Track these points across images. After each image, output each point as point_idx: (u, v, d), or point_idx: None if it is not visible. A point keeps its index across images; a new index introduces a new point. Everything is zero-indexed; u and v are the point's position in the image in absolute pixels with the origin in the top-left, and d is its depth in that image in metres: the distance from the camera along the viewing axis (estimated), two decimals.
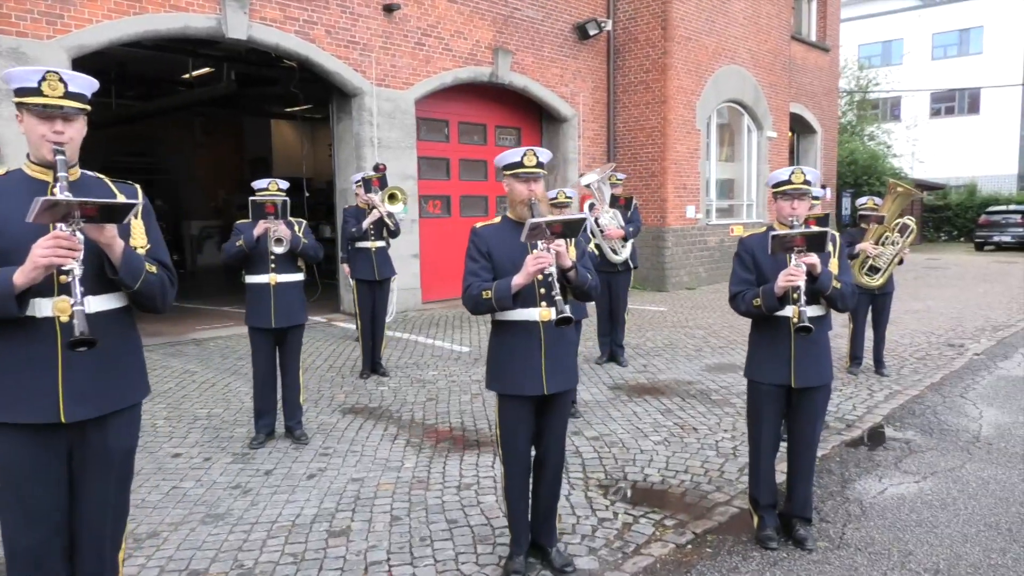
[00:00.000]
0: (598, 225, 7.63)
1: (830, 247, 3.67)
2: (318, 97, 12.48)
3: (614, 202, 7.53)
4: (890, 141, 29.11)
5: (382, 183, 7.10)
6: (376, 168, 10.62)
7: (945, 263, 19.91)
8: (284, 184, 5.26)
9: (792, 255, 3.43)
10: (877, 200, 7.44)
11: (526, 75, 12.71)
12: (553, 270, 3.02)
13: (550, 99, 13.22)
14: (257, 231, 4.95)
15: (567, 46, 13.45)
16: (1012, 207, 24.83)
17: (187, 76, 11.51)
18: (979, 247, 24.26)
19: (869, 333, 7.50)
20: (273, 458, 5.02)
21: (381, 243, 7.34)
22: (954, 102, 37.82)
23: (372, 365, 7.37)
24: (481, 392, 6.72)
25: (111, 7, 7.96)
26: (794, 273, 3.38)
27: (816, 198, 5.31)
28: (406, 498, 4.33)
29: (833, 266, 3.64)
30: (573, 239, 3.27)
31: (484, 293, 3.14)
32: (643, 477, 4.69)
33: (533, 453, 3.42)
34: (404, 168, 11.08)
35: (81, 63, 7.72)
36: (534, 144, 13.97)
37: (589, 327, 9.28)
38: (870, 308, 7.41)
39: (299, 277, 5.26)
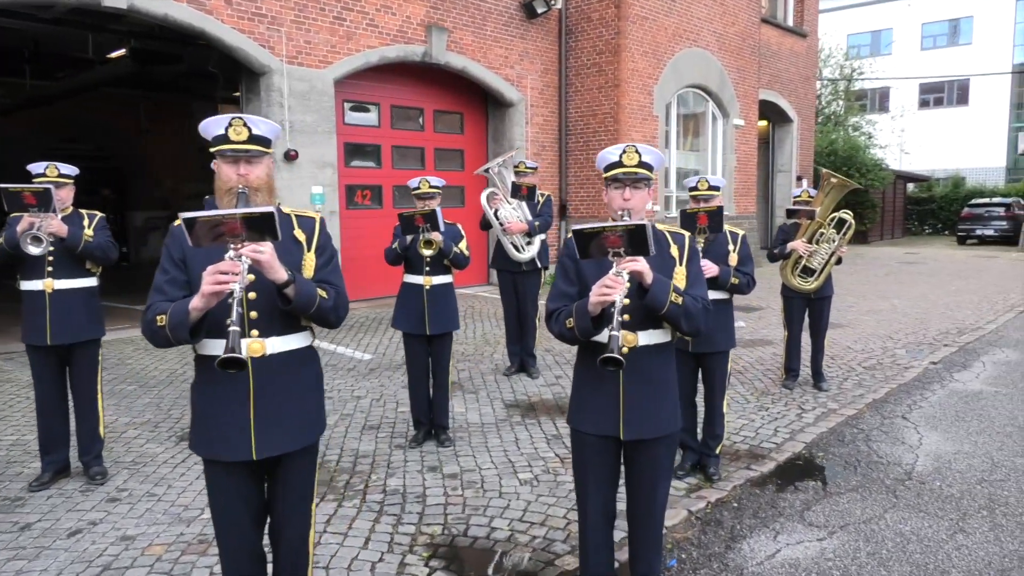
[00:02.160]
0: (497, 218, 6.73)
1: (673, 247, 2.79)
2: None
3: (516, 192, 6.63)
4: (874, 132, 28.16)
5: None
6: (287, 155, 9.73)
7: (923, 258, 19.07)
8: (68, 169, 4.33)
9: (615, 260, 2.53)
10: (813, 191, 6.56)
11: (465, 55, 11.77)
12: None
13: (493, 82, 12.28)
14: (20, 227, 4.02)
15: (513, 25, 12.50)
16: (996, 200, 24.02)
17: (91, 55, 10.56)
18: (961, 241, 23.44)
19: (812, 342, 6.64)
20: (48, 504, 4.12)
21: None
22: (943, 93, 36.97)
23: None
24: (352, 414, 5.83)
25: None
26: (610, 284, 2.48)
27: (715, 188, 4.43)
28: (168, 568, 3.42)
29: (681, 276, 2.75)
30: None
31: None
32: (488, 532, 3.81)
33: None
34: (322, 155, 10.15)
35: None
36: (479, 129, 13.05)
37: (499, 334, 8.43)
38: (806, 314, 6.54)
39: (86, 283, 4.34)
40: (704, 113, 15.22)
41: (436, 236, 4.79)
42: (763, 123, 20.19)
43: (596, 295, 2.51)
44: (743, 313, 10.41)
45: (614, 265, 2.52)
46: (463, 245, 5.03)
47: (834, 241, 6.31)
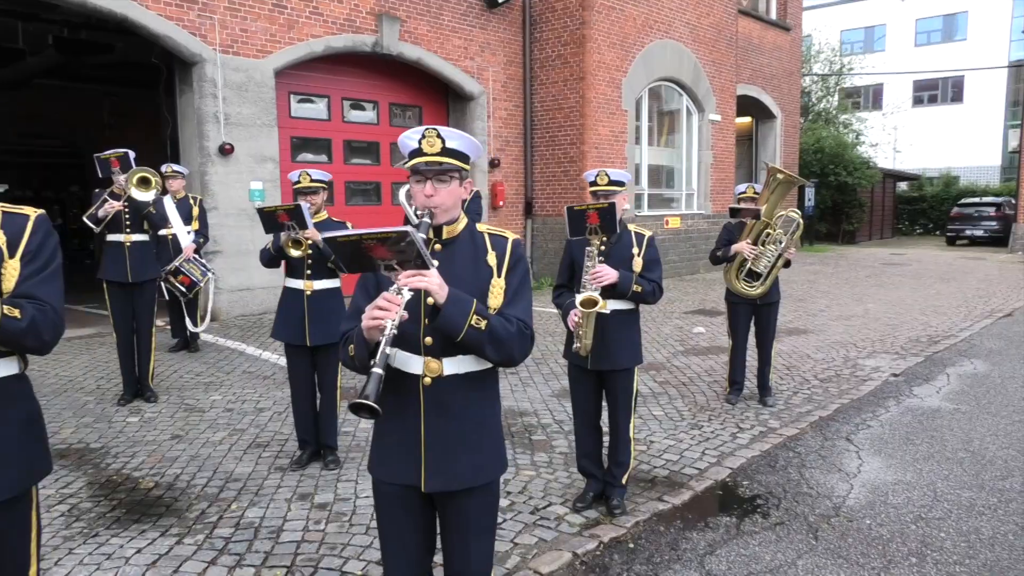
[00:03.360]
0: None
1: (491, 255, 2.27)
2: None
3: None
4: (864, 129, 27.59)
5: (123, 164, 5.62)
6: (221, 149, 9.20)
7: (907, 259, 18.53)
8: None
9: (388, 274, 2.05)
10: (758, 188, 6.03)
11: (420, 46, 11.23)
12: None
13: (451, 74, 11.75)
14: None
15: (472, 15, 11.96)
16: (986, 200, 23.48)
17: (19, 45, 10.03)
18: (951, 242, 22.91)
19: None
20: None
21: (140, 236, 5.89)
22: (937, 90, 36.40)
23: (135, 388, 5.96)
24: (245, 429, 5.31)
25: None
26: (383, 306, 1.98)
27: (617, 183, 3.92)
28: None
29: (498, 290, 2.23)
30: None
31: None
32: None
33: None
34: (261, 148, 9.62)
35: None
36: (439, 124, 12.50)
37: None
38: (752, 322, 6.02)
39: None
40: (678, 108, 14.68)
41: (312, 234, 4.28)
42: (746, 119, 19.67)
43: (366, 319, 2.00)
44: (705, 317, 9.90)
45: (393, 281, 2.01)
46: None
47: (781, 242, 5.79)
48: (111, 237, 5.81)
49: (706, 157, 15.03)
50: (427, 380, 2.19)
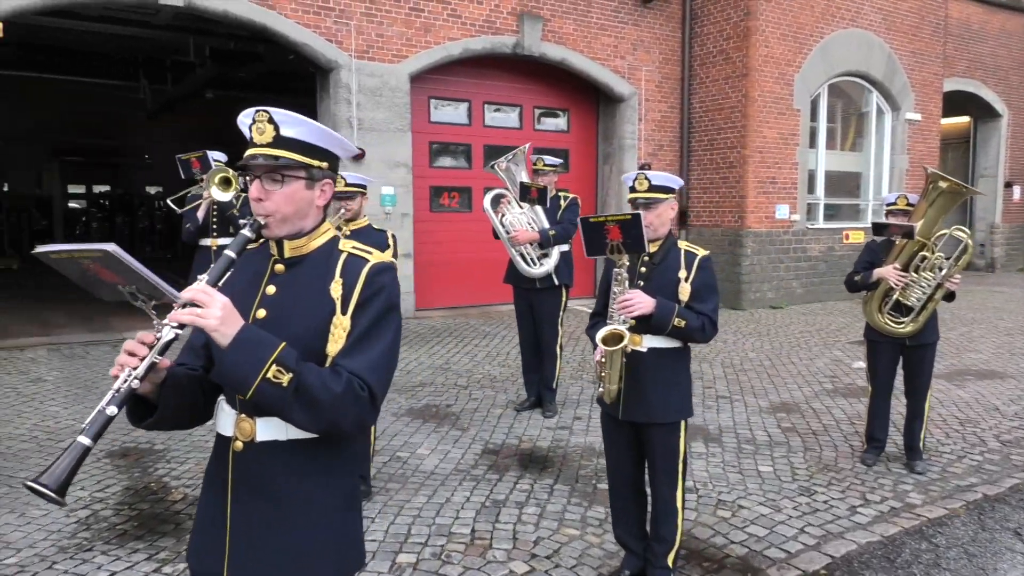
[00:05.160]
0: (503, 226, 5.66)
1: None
2: None
3: (524, 194, 5.52)
4: None
5: (203, 164, 5.61)
6: (357, 156, 9.24)
7: None
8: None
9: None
10: (913, 198, 4.79)
11: (564, 45, 10.68)
12: None
13: (598, 74, 11.07)
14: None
15: (624, 11, 11.20)
16: None
17: (192, 59, 10.87)
18: None
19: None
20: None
21: (226, 240, 5.88)
22: None
23: None
24: None
25: None
26: (129, 348, 1.46)
27: (662, 189, 3.09)
28: None
29: (339, 331, 1.63)
30: None
31: None
32: None
33: None
34: (393, 154, 9.58)
35: None
36: (588, 128, 11.89)
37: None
38: (899, 367, 4.80)
39: None
40: (866, 106, 12.85)
41: None
42: (961, 119, 16.99)
43: (114, 372, 1.49)
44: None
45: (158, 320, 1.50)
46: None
47: (942, 269, 4.54)
48: (201, 242, 5.86)
49: (900, 162, 13.03)
50: (238, 445, 1.65)
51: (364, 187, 4.17)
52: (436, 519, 3.91)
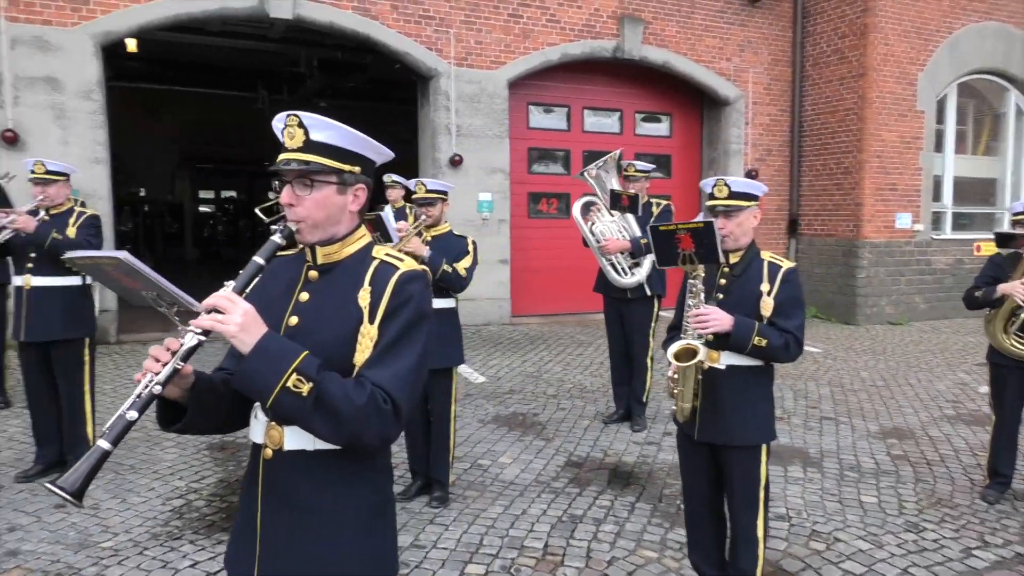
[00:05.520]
0: (593, 235, 5.52)
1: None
2: None
3: (615, 201, 5.36)
4: None
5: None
6: (451, 161, 9.36)
7: None
8: (55, 165, 4.24)
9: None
10: None
11: (667, 48, 10.40)
12: None
13: (703, 77, 10.72)
14: None
15: (730, 11, 10.79)
16: None
17: (301, 69, 11.34)
18: None
19: None
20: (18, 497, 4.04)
21: None
22: None
23: None
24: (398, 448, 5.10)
25: None
26: (155, 354, 1.46)
27: (743, 196, 2.87)
28: None
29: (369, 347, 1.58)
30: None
31: None
32: None
33: None
34: (491, 160, 9.61)
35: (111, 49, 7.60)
36: (692, 132, 11.54)
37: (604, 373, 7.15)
38: None
39: (65, 281, 4.21)
40: (1003, 107, 11.80)
41: (416, 246, 3.87)
42: None
43: (137, 377, 1.49)
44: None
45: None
46: (462, 264, 4.03)
47: None
48: None
49: None
50: (268, 453, 1.62)
51: (445, 193, 4.15)
52: (510, 531, 3.83)
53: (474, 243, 4.17)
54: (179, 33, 9.33)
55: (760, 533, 2.92)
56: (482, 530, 3.83)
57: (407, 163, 11.74)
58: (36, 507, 3.93)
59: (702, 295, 2.74)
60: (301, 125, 1.59)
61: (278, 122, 1.65)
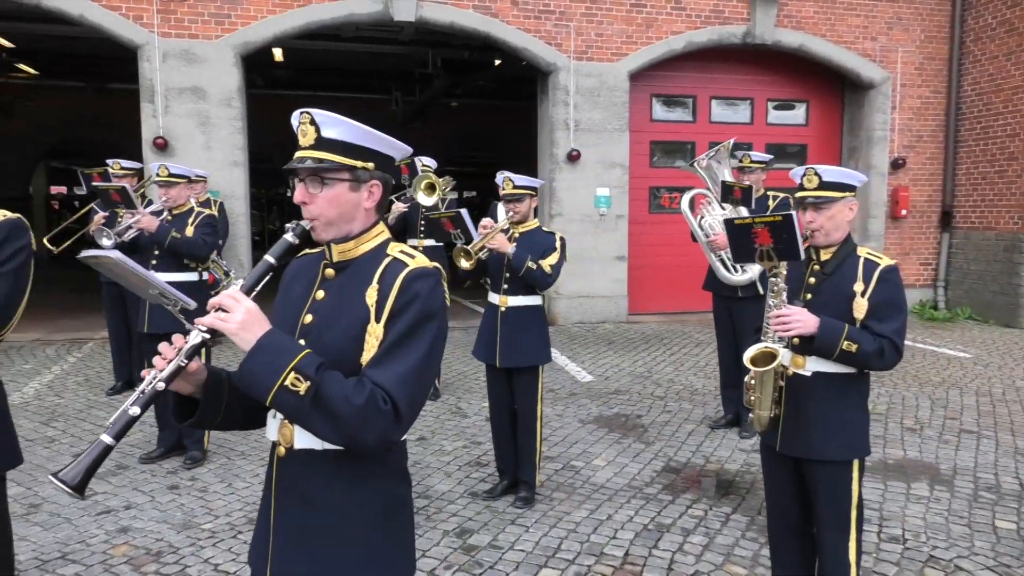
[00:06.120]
0: (702, 229, 5.27)
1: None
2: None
3: (726, 194, 5.08)
4: None
5: (411, 171, 5.90)
6: (569, 156, 9.28)
7: None
8: (178, 169, 4.58)
9: None
10: None
11: (803, 30, 9.75)
12: None
13: (842, 59, 9.96)
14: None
15: None
16: None
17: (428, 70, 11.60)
18: None
19: None
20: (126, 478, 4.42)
21: (430, 242, 6.15)
22: None
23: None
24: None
25: (276, 2, 8.23)
26: (162, 351, 1.50)
27: (837, 187, 2.59)
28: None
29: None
30: None
31: None
32: None
33: None
34: (610, 154, 9.43)
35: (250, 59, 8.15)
36: (831, 120, 10.77)
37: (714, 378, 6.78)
38: None
39: (183, 276, 4.53)
40: None
41: (502, 244, 3.84)
42: None
43: (143, 373, 1.56)
44: None
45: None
46: (548, 261, 3.95)
47: None
48: (409, 242, 6.21)
49: None
50: (281, 450, 1.65)
51: (534, 189, 4.09)
52: (591, 536, 3.73)
53: (562, 239, 4.08)
54: (312, 40, 9.82)
55: (852, 557, 2.66)
56: (563, 534, 3.75)
57: (530, 158, 11.78)
58: (152, 487, 4.28)
59: (784, 294, 2.52)
60: (313, 122, 1.60)
61: (294, 120, 1.66)
